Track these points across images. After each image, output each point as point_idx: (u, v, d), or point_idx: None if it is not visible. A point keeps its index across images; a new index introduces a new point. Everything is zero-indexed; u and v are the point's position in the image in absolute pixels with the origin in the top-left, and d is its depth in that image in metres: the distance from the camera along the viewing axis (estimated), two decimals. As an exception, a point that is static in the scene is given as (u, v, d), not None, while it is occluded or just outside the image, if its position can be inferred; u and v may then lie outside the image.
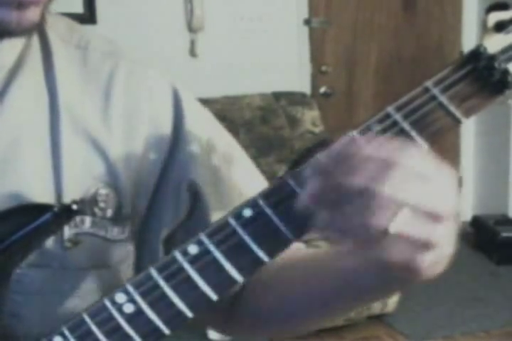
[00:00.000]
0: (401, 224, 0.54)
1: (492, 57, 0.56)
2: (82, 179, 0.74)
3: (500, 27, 0.56)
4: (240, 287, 0.78)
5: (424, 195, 0.54)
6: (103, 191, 0.75)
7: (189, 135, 0.79)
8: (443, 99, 0.57)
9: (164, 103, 0.80)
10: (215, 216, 0.78)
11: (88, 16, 3.37)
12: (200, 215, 0.80)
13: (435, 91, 0.57)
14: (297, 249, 0.81)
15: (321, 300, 0.74)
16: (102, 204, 0.75)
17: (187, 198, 0.79)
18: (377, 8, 3.98)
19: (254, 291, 0.79)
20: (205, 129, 0.82)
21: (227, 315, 0.82)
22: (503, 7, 0.56)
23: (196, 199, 0.80)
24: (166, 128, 0.79)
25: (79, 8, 3.34)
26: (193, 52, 3.61)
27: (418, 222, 0.55)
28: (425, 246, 0.55)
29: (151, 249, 0.81)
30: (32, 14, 0.68)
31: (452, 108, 0.57)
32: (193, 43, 3.60)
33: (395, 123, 0.57)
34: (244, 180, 0.82)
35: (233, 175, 0.81)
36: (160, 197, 0.79)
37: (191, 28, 3.58)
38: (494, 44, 0.56)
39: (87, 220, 0.74)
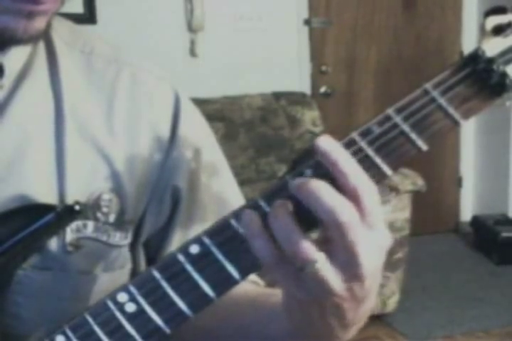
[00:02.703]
0: (323, 267, 0.56)
1: (490, 60, 0.56)
2: (86, 183, 0.75)
3: (498, 30, 0.56)
4: None
5: (354, 253, 0.55)
6: (106, 196, 0.75)
7: (181, 141, 0.80)
8: (442, 101, 0.57)
9: (165, 109, 0.81)
10: (178, 234, 0.80)
11: (88, 16, 3.37)
12: (173, 225, 0.81)
13: (434, 93, 0.57)
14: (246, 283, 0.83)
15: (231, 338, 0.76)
16: (104, 209, 0.75)
17: (169, 204, 0.80)
18: (377, 8, 3.98)
19: None
20: (196, 137, 0.82)
21: None
22: (501, 11, 0.57)
23: (176, 206, 0.81)
24: (165, 133, 0.80)
25: (79, 8, 3.34)
26: (193, 52, 3.61)
27: (338, 271, 0.56)
28: (330, 293, 0.57)
29: (136, 252, 0.82)
30: (39, 22, 0.68)
31: (451, 110, 0.57)
32: (193, 43, 3.61)
33: (395, 126, 0.58)
34: (220, 194, 0.82)
35: (210, 187, 0.82)
36: (150, 200, 0.80)
37: (191, 28, 3.58)
38: (492, 47, 0.56)
39: (90, 225, 0.74)
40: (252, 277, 0.83)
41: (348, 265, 0.56)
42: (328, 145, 0.56)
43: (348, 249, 0.55)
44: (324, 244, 0.57)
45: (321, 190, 0.55)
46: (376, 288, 0.60)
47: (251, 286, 0.81)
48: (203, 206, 0.82)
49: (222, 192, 0.83)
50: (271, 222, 0.57)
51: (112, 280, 0.77)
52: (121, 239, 0.78)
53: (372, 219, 0.56)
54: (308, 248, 0.55)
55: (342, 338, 0.64)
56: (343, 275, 0.56)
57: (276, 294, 0.69)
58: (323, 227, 0.57)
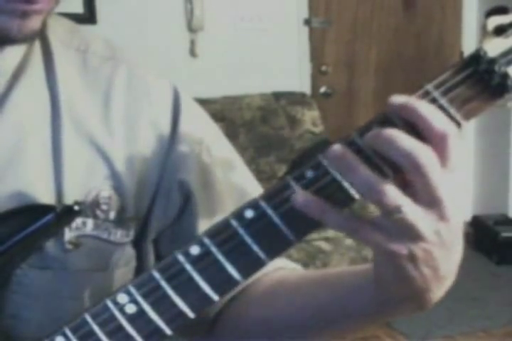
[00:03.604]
0: (409, 211, 0.56)
1: (492, 61, 0.56)
2: (84, 181, 0.75)
3: (499, 31, 0.56)
4: (223, 304, 0.80)
5: (441, 193, 0.56)
6: (105, 193, 0.75)
7: (184, 136, 0.80)
8: (443, 101, 0.57)
9: (164, 105, 0.81)
10: (202, 224, 0.79)
11: (88, 16, 3.37)
12: (188, 220, 0.80)
13: (435, 94, 0.57)
14: (292, 270, 0.82)
15: (310, 322, 0.74)
16: (104, 207, 0.75)
17: (178, 199, 0.80)
18: (377, 8, 3.98)
19: (236, 309, 0.80)
20: (201, 131, 0.82)
21: (208, 330, 0.83)
22: (502, 11, 0.56)
23: (187, 200, 0.80)
24: (165, 129, 0.79)
25: (79, 8, 3.34)
26: (193, 52, 3.61)
27: (425, 214, 0.56)
28: (420, 239, 0.57)
29: (143, 250, 0.81)
30: (34, 22, 0.68)
31: (452, 111, 0.57)
32: (193, 43, 3.60)
33: (395, 126, 0.58)
34: (239, 184, 0.82)
35: (227, 179, 0.82)
36: (155, 197, 0.80)
37: (191, 28, 3.58)
38: (494, 48, 0.56)
39: (89, 222, 0.74)
40: (289, 264, 0.84)
41: (432, 206, 0.56)
42: (401, 99, 0.56)
43: (431, 190, 0.55)
44: (405, 188, 0.57)
45: (397, 135, 0.55)
46: (460, 236, 0.60)
47: (304, 271, 0.82)
48: (222, 199, 0.81)
49: (241, 183, 0.83)
50: (349, 177, 0.57)
51: (115, 278, 0.77)
52: (123, 236, 0.77)
53: (454, 162, 0.56)
54: (394, 193, 0.55)
55: (436, 294, 0.63)
56: (428, 217, 0.56)
57: (346, 270, 0.70)
58: (403, 172, 0.57)
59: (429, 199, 0.56)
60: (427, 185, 0.55)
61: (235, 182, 0.82)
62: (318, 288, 0.73)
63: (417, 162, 0.55)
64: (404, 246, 0.57)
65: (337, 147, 0.57)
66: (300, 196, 0.58)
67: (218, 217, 0.77)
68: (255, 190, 0.82)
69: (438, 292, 0.63)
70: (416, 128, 0.56)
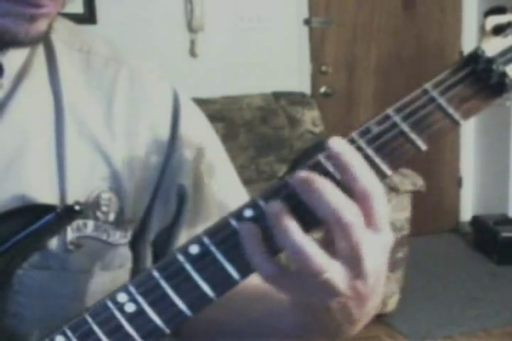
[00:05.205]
0: (333, 272, 0.56)
1: (490, 60, 0.56)
2: (86, 182, 0.75)
3: (498, 30, 0.56)
4: None
5: (358, 251, 0.56)
6: (106, 195, 0.76)
7: (183, 140, 0.80)
8: (442, 101, 0.57)
9: (164, 108, 0.81)
10: (190, 226, 0.80)
11: (88, 16, 3.37)
12: (182, 222, 0.81)
13: (434, 93, 0.57)
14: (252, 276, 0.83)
15: (244, 333, 0.77)
16: (104, 208, 0.75)
17: (175, 202, 0.81)
18: (377, 8, 3.98)
19: None
20: (199, 135, 0.82)
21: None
22: (500, 11, 0.57)
23: (182, 204, 0.81)
24: (165, 132, 0.80)
25: (79, 8, 3.34)
26: (193, 52, 3.61)
27: (344, 272, 0.57)
28: (337, 295, 0.58)
29: (140, 251, 0.82)
30: (41, 25, 0.68)
31: (451, 110, 0.57)
32: (193, 43, 3.61)
33: (394, 125, 0.58)
34: (223, 192, 0.83)
35: (215, 185, 0.82)
36: (154, 200, 0.80)
37: (191, 28, 3.58)
38: (492, 47, 0.56)
39: (90, 224, 0.75)
40: None
41: (352, 264, 0.56)
42: (341, 146, 0.56)
43: (353, 249, 0.56)
44: (328, 245, 0.57)
45: (326, 188, 0.55)
46: (381, 284, 0.61)
47: (254, 283, 0.81)
48: (207, 205, 0.82)
49: (225, 190, 0.83)
50: (279, 238, 0.56)
51: (112, 279, 0.77)
52: (121, 237, 0.78)
53: (379, 222, 0.57)
54: (323, 260, 0.56)
55: (349, 333, 0.65)
56: (347, 275, 0.57)
57: None
58: (326, 228, 0.57)
59: (349, 257, 0.56)
60: (349, 244, 0.56)
61: (219, 190, 0.83)
62: (255, 301, 0.76)
63: (341, 220, 0.55)
64: (321, 300, 0.59)
65: (276, 204, 0.57)
66: (246, 226, 0.59)
67: (201, 226, 0.78)
68: (240, 198, 0.83)
69: (352, 330, 0.65)
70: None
